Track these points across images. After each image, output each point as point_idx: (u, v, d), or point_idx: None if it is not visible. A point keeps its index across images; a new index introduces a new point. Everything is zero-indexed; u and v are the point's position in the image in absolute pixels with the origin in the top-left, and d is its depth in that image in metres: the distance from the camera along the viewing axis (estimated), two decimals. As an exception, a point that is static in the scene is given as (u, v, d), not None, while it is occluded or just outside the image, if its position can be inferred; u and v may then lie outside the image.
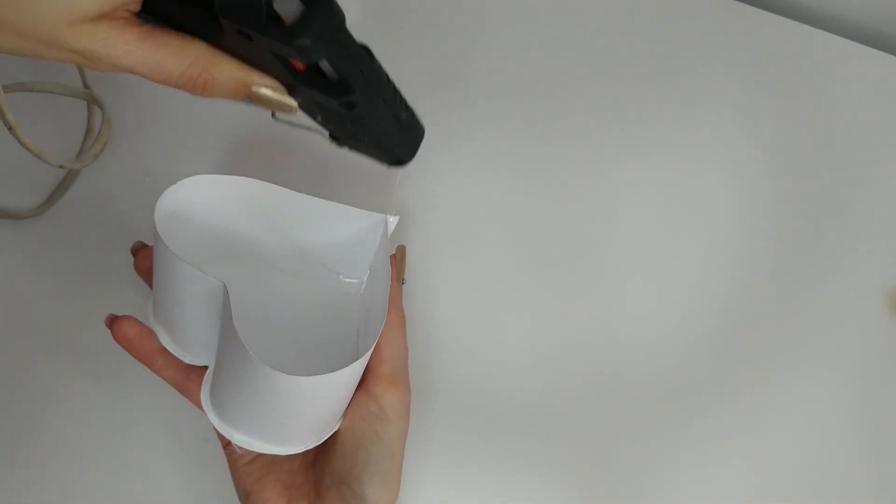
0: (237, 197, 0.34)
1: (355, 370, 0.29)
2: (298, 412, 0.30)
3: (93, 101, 0.44)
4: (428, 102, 0.47)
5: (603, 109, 0.48)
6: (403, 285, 0.35)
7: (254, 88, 0.28)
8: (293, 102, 0.29)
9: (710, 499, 0.38)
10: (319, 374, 0.27)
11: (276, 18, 0.24)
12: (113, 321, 0.33)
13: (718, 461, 0.39)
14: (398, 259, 0.34)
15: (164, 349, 0.33)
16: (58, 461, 0.38)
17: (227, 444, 0.33)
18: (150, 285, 0.34)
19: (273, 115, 0.31)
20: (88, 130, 0.45)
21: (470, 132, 0.47)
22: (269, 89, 0.28)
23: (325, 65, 0.27)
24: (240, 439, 0.30)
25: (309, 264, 0.37)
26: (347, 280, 0.37)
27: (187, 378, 0.33)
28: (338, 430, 0.31)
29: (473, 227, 0.44)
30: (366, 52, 0.27)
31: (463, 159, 0.46)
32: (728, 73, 0.50)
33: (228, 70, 0.28)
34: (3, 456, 0.38)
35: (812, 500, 0.38)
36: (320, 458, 0.32)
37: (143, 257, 0.34)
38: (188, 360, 0.33)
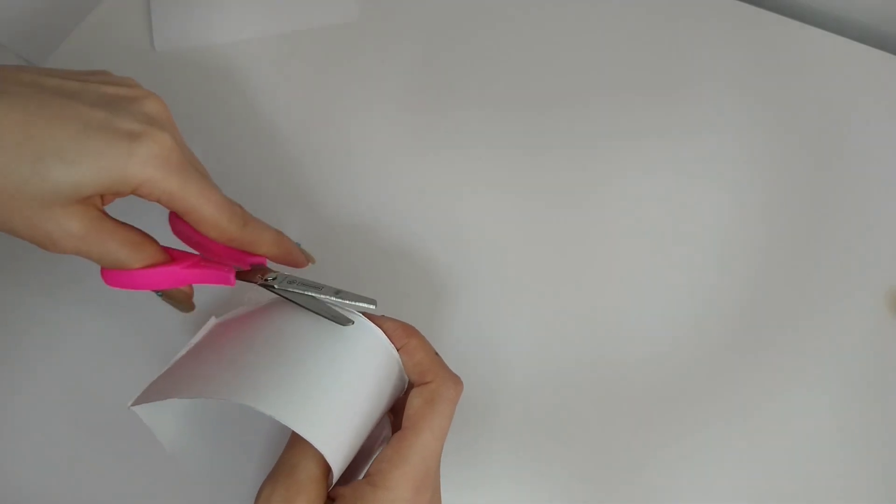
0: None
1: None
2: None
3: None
4: (426, 110, 0.48)
5: (607, 117, 0.48)
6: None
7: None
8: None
9: (713, 499, 0.38)
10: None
11: None
12: None
13: (722, 462, 0.39)
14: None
15: None
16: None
17: None
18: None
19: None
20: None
21: (470, 144, 0.47)
22: None
23: None
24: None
25: None
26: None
27: None
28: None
29: (478, 237, 0.44)
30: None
31: (467, 172, 0.46)
32: (727, 73, 0.50)
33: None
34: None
35: (813, 499, 0.39)
36: None
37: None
38: None
